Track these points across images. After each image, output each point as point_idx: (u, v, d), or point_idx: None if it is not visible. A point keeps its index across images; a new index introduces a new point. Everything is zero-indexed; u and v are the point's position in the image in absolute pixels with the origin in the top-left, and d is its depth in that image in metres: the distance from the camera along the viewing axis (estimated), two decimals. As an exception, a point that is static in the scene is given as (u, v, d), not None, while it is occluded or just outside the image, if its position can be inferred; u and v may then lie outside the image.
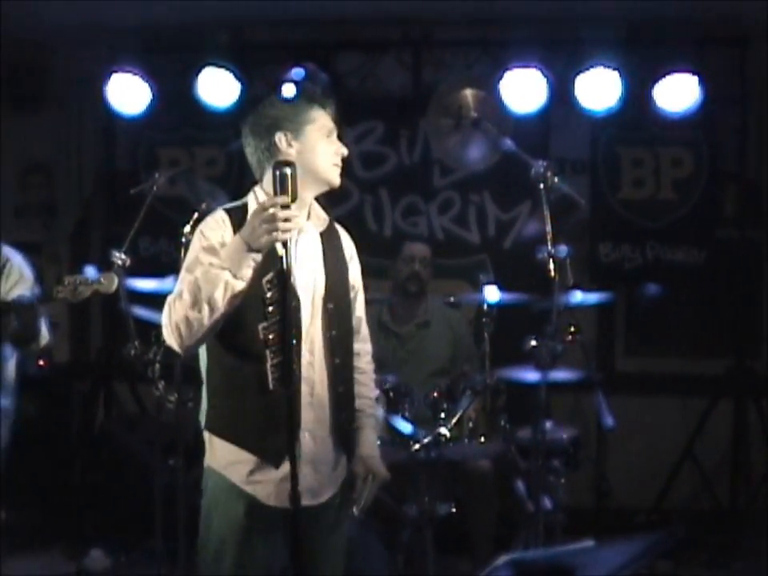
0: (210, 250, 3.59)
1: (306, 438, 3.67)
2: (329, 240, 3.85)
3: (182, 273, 3.69)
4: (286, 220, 3.30)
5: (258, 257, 3.43)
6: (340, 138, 3.81)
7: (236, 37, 7.51)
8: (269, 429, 3.62)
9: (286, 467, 3.49)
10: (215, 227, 3.68)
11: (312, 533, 3.68)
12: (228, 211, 3.73)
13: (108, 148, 7.96)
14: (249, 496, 3.70)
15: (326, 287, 3.76)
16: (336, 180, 3.77)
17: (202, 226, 3.75)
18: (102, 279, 4.77)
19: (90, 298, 4.85)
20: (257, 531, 3.71)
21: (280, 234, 3.29)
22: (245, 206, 3.73)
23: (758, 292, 7.65)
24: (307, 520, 3.54)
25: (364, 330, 4.02)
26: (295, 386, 3.42)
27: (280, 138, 3.70)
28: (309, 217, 3.79)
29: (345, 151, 3.77)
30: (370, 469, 3.87)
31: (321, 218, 3.83)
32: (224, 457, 3.75)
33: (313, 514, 3.67)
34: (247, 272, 3.45)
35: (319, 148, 3.72)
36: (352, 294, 3.93)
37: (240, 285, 3.45)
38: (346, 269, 3.91)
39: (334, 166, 3.75)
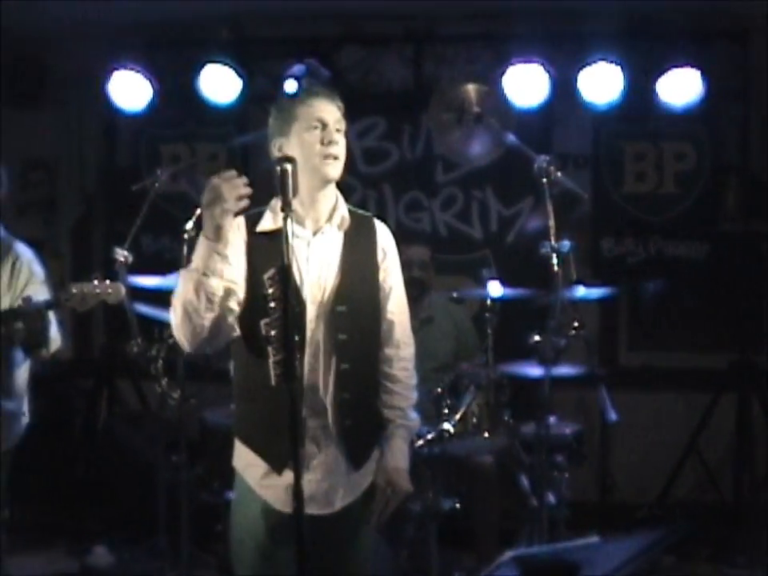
0: None
1: (310, 445, 3.65)
2: (354, 240, 3.76)
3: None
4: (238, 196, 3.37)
5: (221, 248, 3.41)
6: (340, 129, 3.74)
7: (237, 32, 7.48)
8: (273, 433, 3.61)
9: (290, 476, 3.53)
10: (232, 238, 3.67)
11: (327, 542, 3.68)
12: (247, 216, 3.73)
13: (109, 144, 7.97)
14: (262, 500, 3.71)
15: (337, 290, 3.68)
16: (329, 173, 3.66)
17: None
18: (109, 290, 4.73)
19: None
20: (274, 536, 3.69)
21: (227, 207, 3.35)
22: (261, 213, 3.74)
23: (762, 286, 7.63)
24: (320, 529, 3.55)
25: (398, 334, 3.85)
26: (298, 382, 3.37)
27: (273, 146, 3.71)
28: (331, 217, 3.73)
29: (335, 139, 3.64)
30: (391, 482, 3.77)
31: (342, 217, 3.74)
32: (242, 458, 3.78)
33: (327, 522, 3.67)
34: (218, 267, 3.42)
35: (305, 143, 3.65)
36: (382, 295, 3.82)
37: (213, 281, 3.42)
38: (374, 269, 3.80)
39: (325, 158, 3.64)
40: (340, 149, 3.67)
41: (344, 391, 3.69)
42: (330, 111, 3.68)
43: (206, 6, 7.00)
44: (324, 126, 3.65)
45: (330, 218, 3.73)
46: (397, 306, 3.86)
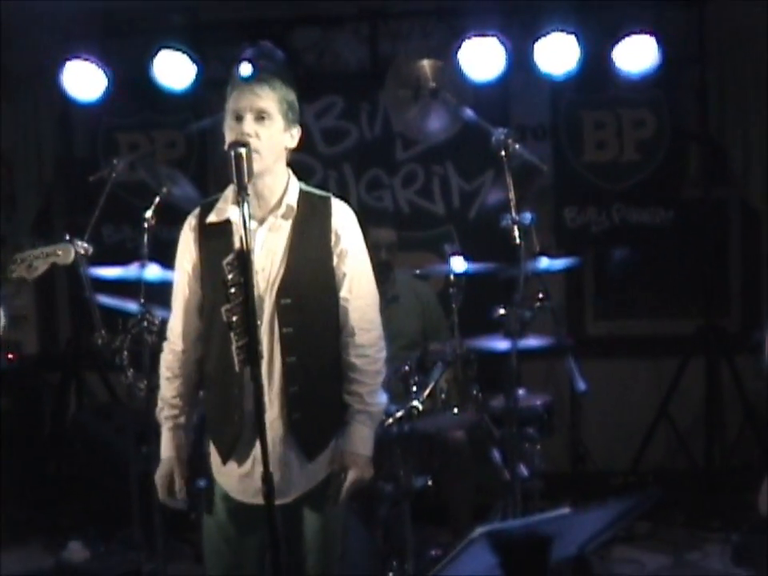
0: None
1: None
2: (303, 227, 3.69)
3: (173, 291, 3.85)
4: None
5: None
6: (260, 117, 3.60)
7: (190, 18, 7.44)
8: (225, 422, 3.65)
9: (246, 466, 3.61)
10: (183, 240, 3.77)
11: (288, 530, 3.70)
12: (202, 206, 3.75)
13: (66, 136, 7.90)
14: (222, 488, 3.75)
15: (281, 283, 3.64)
16: None
17: (181, 233, 3.79)
18: (57, 250, 4.58)
19: (48, 271, 4.61)
20: (236, 524, 3.74)
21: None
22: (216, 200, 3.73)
23: (726, 250, 7.68)
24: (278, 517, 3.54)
25: (353, 321, 3.77)
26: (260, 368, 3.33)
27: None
28: (277, 207, 3.68)
29: (247, 132, 3.52)
30: (344, 467, 3.75)
31: (288, 206, 3.68)
32: (209, 444, 3.81)
33: (284, 512, 3.65)
34: None
35: (226, 137, 3.61)
36: (336, 282, 3.75)
37: None
38: (325, 256, 3.72)
39: None
40: (256, 142, 3.54)
41: (292, 384, 3.66)
42: (249, 100, 3.58)
43: (158, -8, 6.96)
44: (239, 118, 3.57)
45: (276, 208, 3.67)
46: (351, 292, 3.77)
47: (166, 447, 3.79)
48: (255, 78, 3.75)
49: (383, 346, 3.87)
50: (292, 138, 3.70)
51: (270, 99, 3.60)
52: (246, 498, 3.57)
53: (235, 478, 3.66)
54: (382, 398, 3.87)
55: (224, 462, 3.68)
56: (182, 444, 3.80)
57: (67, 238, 4.89)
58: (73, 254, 4.66)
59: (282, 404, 3.66)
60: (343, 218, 3.77)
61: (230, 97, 3.63)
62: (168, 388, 3.81)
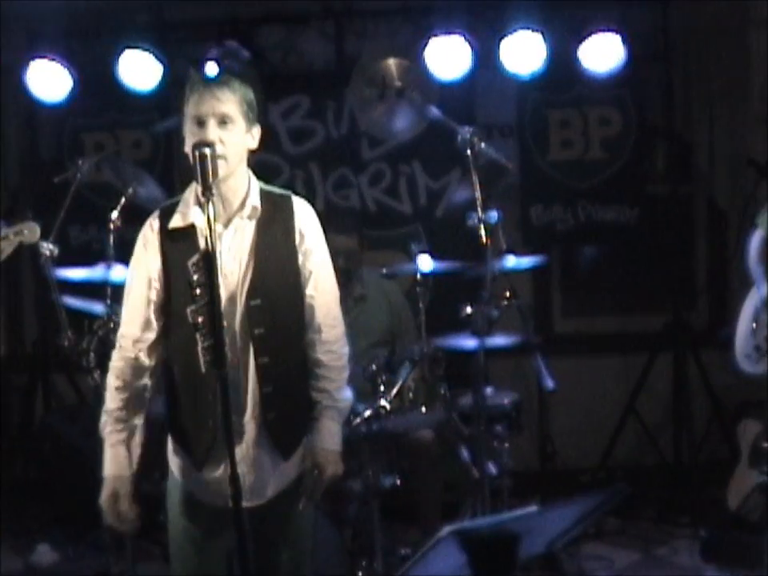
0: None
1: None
2: (268, 227, 3.67)
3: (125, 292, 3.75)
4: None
5: None
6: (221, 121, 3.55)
7: (155, 17, 7.41)
8: (196, 427, 3.63)
9: (221, 469, 3.56)
10: (143, 244, 3.68)
11: (263, 531, 3.67)
12: (162, 210, 3.69)
13: (31, 137, 7.86)
14: (189, 491, 3.72)
15: (250, 284, 3.62)
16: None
17: (140, 236, 3.73)
18: (24, 230, 4.49)
19: (16, 252, 4.53)
20: (202, 527, 3.71)
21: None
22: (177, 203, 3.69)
23: (691, 246, 7.71)
24: (252, 520, 3.53)
25: (319, 318, 3.76)
26: (227, 368, 3.31)
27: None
28: (241, 208, 3.65)
29: (210, 138, 3.45)
30: (317, 463, 3.75)
31: (253, 207, 3.65)
32: (170, 447, 3.78)
33: (259, 513, 3.65)
34: None
35: (187, 142, 3.56)
36: (301, 281, 3.73)
37: None
38: (291, 255, 3.71)
39: None
40: (221, 148, 3.48)
41: (266, 385, 3.65)
42: (211, 105, 3.53)
43: (123, -8, 6.93)
44: (201, 123, 3.53)
45: (240, 209, 3.64)
46: (316, 289, 3.76)
47: (110, 465, 3.65)
48: (215, 81, 3.68)
49: (346, 341, 3.88)
50: (253, 138, 3.67)
51: (232, 102, 3.56)
52: (224, 502, 3.55)
53: (212, 483, 3.64)
54: (348, 394, 3.90)
55: (200, 468, 3.65)
56: (127, 462, 3.66)
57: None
58: (38, 232, 4.61)
59: (255, 405, 3.65)
60: (306, 216, 3.76)
61: (188, 100, 3.57)
62: (114, 399, 3.68)
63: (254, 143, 3.68)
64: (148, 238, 3.66)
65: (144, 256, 3.67)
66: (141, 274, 3.68)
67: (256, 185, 3.71)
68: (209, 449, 3.62)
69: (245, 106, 3.60)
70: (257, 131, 3.69)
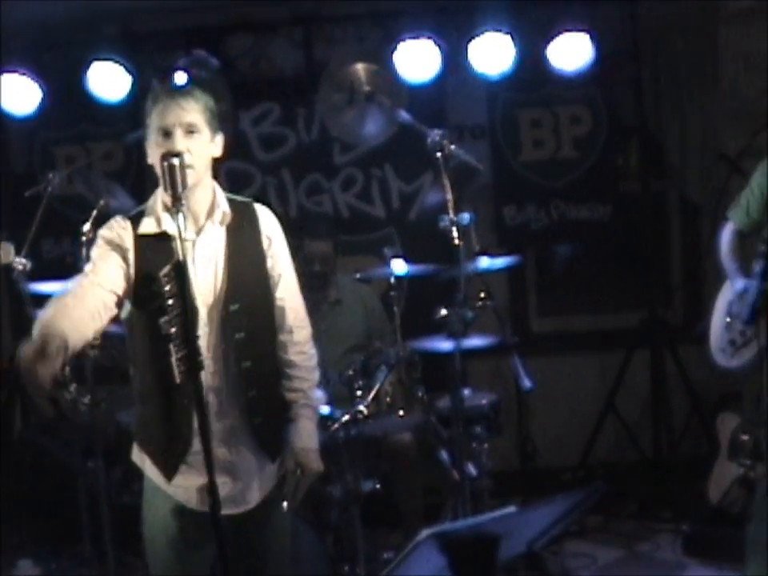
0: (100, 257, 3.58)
1: (219, 448, 3.59)
2: (237, 232, 3.70)
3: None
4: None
5: None
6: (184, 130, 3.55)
7: (123, 28, 7.39)
8: (167, 438, 3.62)
9: (201, 476, 3.48)
10: (114, 227, 3.65)
11: (247, 537, 3.69)
12: (131, 218, 3.67)
13: (2, 151, 7.82)
14: (173, 499, 3.70)
15: (227, 289, 3.64)
16: None
17: (101, 230, 3.71)
18: None
19: None
20: (187, 536, 3.68)
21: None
22: (145, 210, 3.67)
23: (666, 243, 7.74)
24: (239, 526, 3.55)
25: (290, 320, 3.82)
26: (201, 378, 3.32)
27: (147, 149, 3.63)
28: (211, 214, 3.65)
29: (177, 149, 3.44)
30: (300, 463, 3.79)
31: (223, 212, 3.67)
32: (144, 458, 3.75)
33: (244, 518, 3.66)
34: None
35: (153, 154, 3.56)
36: (271, 284, 3.78)
37: None
38: (261, 260, 3.75)
39: None
40: (189, 158, 3.45)
41: (250, 389, 3.67)
42: (177, 116, 3.53)
43: (91, 4, 6.88)
44: (168, 134, 3.52)
45: (210, 215, 3.65)
46: (286, 291, 3.82)
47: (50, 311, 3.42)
48: (179, 91, 3.67)
49: (313, 343, 3.95)
50: (217, 146, 3.68)
51: (196, 111, 3.56)
52: (202, 507, 3.54)
53: (192, 489, 3.63)
54: (320, 393, 3.99)
55: (170, 477, 3.64)
56: (76, 316, 3.43)
57: (18, 267, 4.89)
58: (12, 253, 4.62)
59: (241, 409, 3.67)
60: (270, 221, 3.81)
61: (152, 111, 3.57)
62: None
63: (218, 151, 3.69)
64: (123, 237, 3.61)
65: (120, 243, 3.60)
66: (115, 253, 3.60)
67: (221, 192, 3.73)
68: (183, 455, 3.61)
69: (208, 114, 3.61)
70: (220, 139, 3.69)
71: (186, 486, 3.65)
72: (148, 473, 3.74)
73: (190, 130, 3.54)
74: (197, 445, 3.55)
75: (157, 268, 3.43)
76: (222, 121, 3.72)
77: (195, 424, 3.51)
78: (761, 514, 4.74)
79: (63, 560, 6.46)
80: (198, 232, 3.63)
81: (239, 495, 3.67)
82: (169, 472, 3.65)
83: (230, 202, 3.73)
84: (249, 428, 3.69)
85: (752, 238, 4.97)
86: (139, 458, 3.76)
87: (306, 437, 3.82)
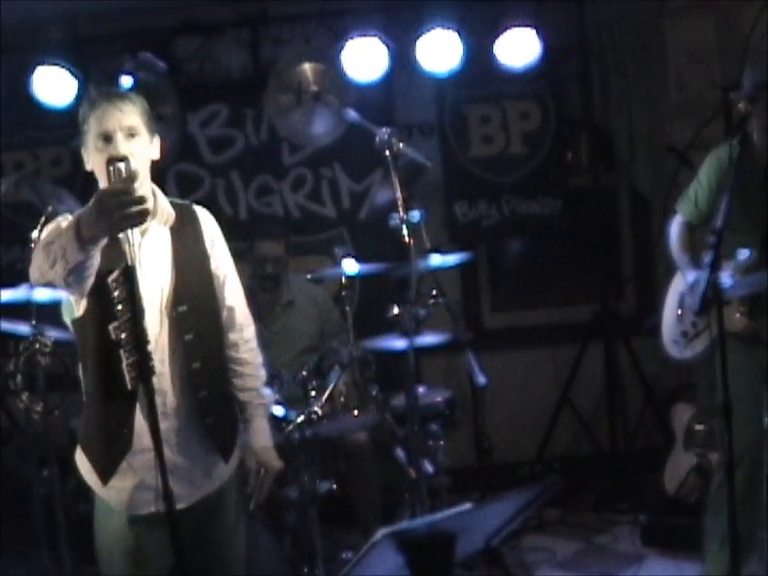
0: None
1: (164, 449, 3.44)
2: (180, 233, 3.67)
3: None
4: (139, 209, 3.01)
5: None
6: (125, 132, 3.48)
7: (69, 31, 7.33)
8: (108, 438, 3.56)
9: (138, 477, 3.51)
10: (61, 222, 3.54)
11: (195, 538, 3.63)
12: None
13: (-51, 159, 7.75)
14: (112, 502, 3.64)
15: (174, 290, 3.60)
16: None
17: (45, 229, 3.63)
18: None
19: None
20: (139, 541, 3.63)
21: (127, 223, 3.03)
22: None
23: (617, 236, 7.77)
24: (188, 521, 3.51)
25: (239, 318, 3.85)
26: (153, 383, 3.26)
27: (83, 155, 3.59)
28: (153, 215, 3.59)
29: (120, 153, 3.32)
30: (262, 462, 3.85)
31: (167, 212, 3.65)
32: (84, 460, 3.69)
33: (191, 513, 3.61)
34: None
35: (95, 161, 3.50)
36: (217, 284, 3.77)
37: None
38: (205, 260, 3.73)
39: None
40: (132, 161, 3.25)
41: (200, 390, 3.64)
42: (117, 119, 3.47)
43: (35, 7, 6.82)
44: (108, 139, 3.46)
45: (153, 217, 3.59)
46: (233, 292, 3.84)
47: None
48: (115, 95, 3.62)
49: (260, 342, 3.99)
50: (155, 148, 3.65)
51: (135, 114, 3.52)
52: (140, 510, 3.52)
53: (125, 491, 3.59)
54: (269, 391, 4.05)
55: (106, 480, 3.58)
56: None
57: None
58: None
59: (191, 410, 3.63)
60: (211, 223, 3.81)
61: (89, 116, 3.50)
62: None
63: (156, 153, 3.65)
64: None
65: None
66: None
67: (161, 193, 3.70)
68: (121, 456, 3.56)
69: (146, 116, 3.58)
70: (157, 141, 3.66)
71: (120, 487, 3.59)
72: (84, 475, 3.67)
73: (131, 133, 3.49)
74: (137, 445, 3.53)
75: (105, 272, 3.39)
76: (170, 123, 3.69)
77: (137, 424, 3.50)
78: (717, 504, 4.77)
79: (20, 570, 6.40)
80: (143, 233, 3.58)
81: (181, 495, 3.53)
82: (107, 473, 3.58)
83: (171, 203, 3.71)
84: (200, 429, 3.65)
85: (701, 229, 4.99)
86: (80, 459, 3.70)
87: (263, 435, 3.88)
